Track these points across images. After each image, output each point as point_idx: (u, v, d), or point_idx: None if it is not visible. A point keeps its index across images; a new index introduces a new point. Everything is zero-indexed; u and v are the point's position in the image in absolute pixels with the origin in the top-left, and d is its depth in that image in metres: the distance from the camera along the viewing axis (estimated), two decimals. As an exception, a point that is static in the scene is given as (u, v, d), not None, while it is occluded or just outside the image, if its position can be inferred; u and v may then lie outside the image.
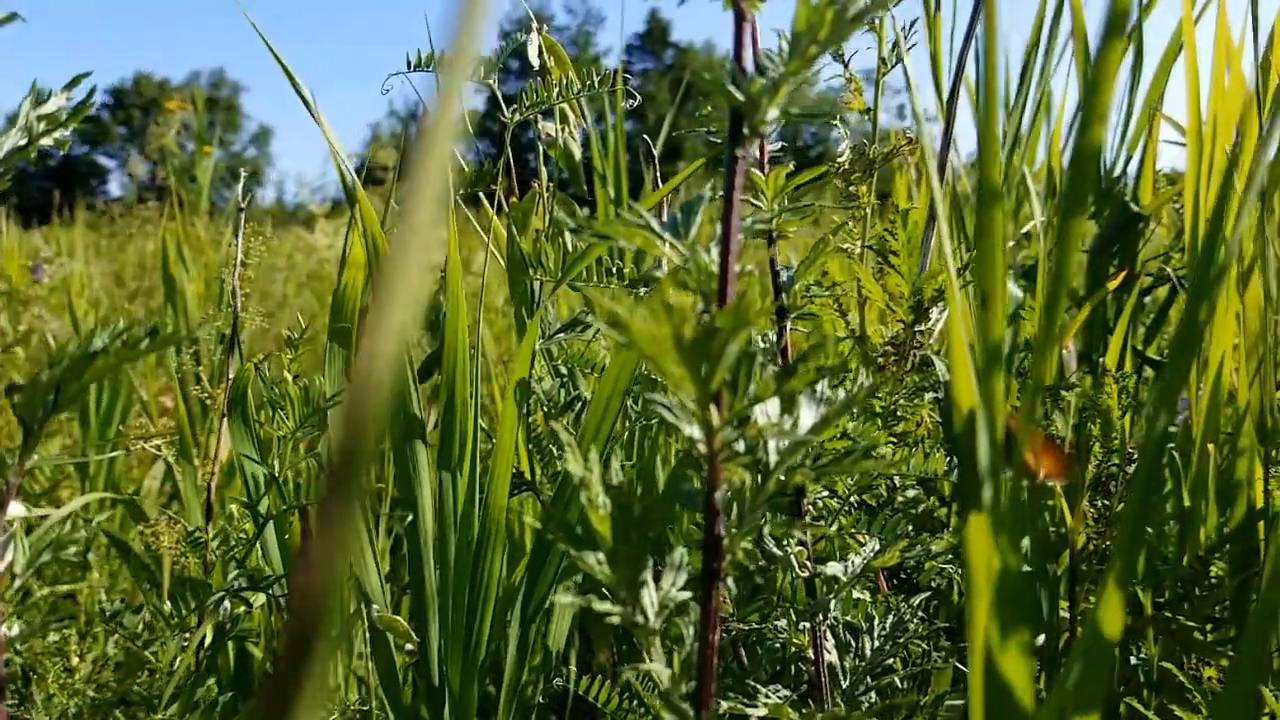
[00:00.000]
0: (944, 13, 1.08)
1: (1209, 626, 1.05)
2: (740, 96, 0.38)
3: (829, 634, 0.58)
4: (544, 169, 0.90)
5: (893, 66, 0.85)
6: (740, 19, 0.39)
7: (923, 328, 0.85)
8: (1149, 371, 1.31)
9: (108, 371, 0.61)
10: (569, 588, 0.65)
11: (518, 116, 0.78)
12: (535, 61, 0.82)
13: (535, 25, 0.83)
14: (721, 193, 0.41)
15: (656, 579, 0.43)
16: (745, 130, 0.39)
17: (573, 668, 0.74)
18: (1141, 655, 1.00)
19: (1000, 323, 0.30)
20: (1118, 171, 1.31)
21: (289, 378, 0.63)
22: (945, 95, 0.99)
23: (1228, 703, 0.32)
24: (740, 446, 0.43)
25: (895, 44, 0.87)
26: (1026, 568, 0.72)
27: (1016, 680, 0.31)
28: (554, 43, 0.83)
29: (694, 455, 0.40)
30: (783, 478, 0.41)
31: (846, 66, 0.92)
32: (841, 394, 0.42)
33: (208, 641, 0.81)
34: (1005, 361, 0.32)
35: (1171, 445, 1.17)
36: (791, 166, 0.49)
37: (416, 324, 0.15)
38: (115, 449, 1.39)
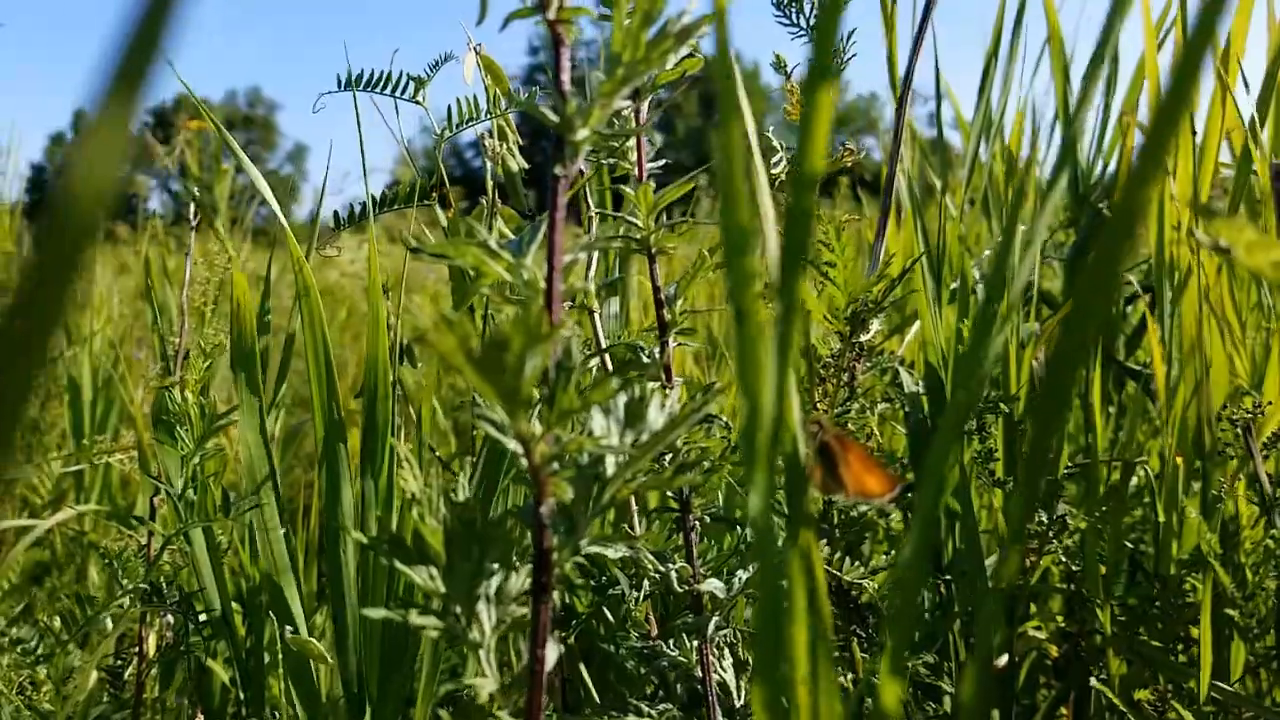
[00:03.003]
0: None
1: (1179, 646, 1.03)
2: (555, 118, 0.39)
3: (728, 652, 0.58)
4: (490, 182, 0.91)
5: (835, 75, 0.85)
6: (559, 44, 0.40)
7: (861, 339, 0.84)
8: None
9: None
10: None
11: (448, 133, 0.79)
12: (469, 80, 0.83)
13: (470, 45, 0.84)
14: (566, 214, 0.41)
15: (500, 595, 0.43)
16: (565, 150, 0.39)
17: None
18: (1104, 676, 0.98)
19: (760, 358, 0.30)
20: (1094, 178, 1.29)
21: (189, 397, 0.64)
22: (896, 103, 0.98)
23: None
24: (585, 459, 0.44)
25: (835, 51, 0.87)
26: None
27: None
28: (491, 61, 0.84)
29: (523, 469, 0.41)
30: (614, 492, 0.42)
31: (789, 78, 0.92)
32: (668, 412, 0.42)
33: (151, 653, 0.82)
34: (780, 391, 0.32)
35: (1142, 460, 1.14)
36: (653, 185, 0.49)
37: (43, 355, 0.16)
38: (81, 463, 1.42)
